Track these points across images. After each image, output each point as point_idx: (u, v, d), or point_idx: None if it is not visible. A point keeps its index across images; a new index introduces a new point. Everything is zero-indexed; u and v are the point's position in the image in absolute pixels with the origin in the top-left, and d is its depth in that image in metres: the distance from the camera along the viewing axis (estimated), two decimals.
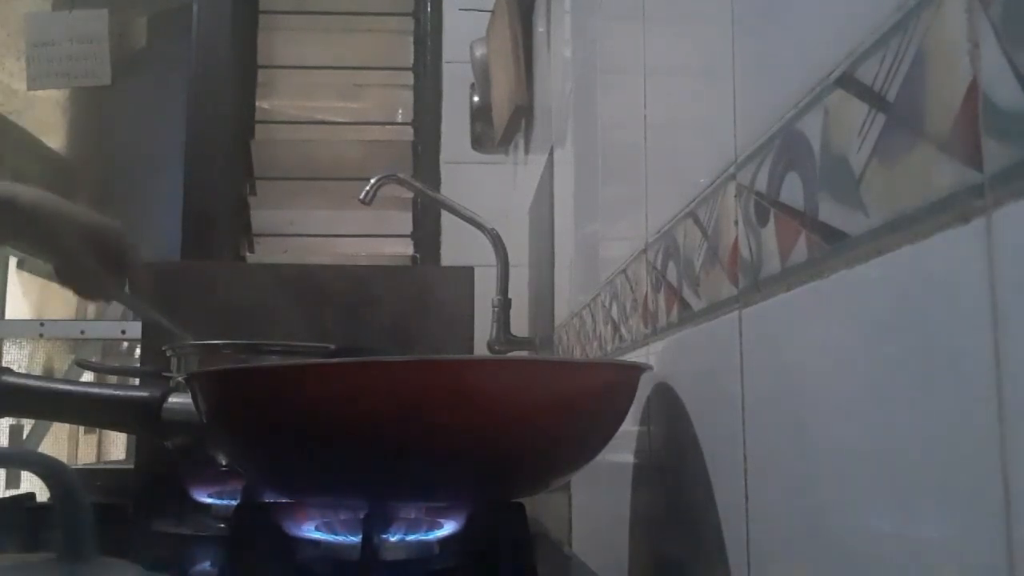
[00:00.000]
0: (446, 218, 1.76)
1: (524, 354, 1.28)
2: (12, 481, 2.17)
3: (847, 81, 0.31)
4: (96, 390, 0.75)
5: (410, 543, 0.53)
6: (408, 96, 1.98)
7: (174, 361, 0.91)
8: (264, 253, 1.89)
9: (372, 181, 1.21)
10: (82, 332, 2.05)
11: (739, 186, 0.43)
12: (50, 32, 1.90)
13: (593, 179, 0.85)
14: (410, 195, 1.75)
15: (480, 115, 1.68)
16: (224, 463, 0.71)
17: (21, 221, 0.83)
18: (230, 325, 0.96)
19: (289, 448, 0.49)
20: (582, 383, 0.51)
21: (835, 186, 0.32)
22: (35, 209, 0.84)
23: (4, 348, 2.19)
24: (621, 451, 0.64)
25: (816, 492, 0.34)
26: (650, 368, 0.55)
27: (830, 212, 0.33)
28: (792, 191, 0.36)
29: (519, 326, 1.33)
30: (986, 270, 0.23)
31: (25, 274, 2.55)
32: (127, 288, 0.90)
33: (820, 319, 0.34)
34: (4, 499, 0.80)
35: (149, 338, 1.16)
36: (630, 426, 0.60)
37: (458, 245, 1.74)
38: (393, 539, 0.53)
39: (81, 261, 0.86)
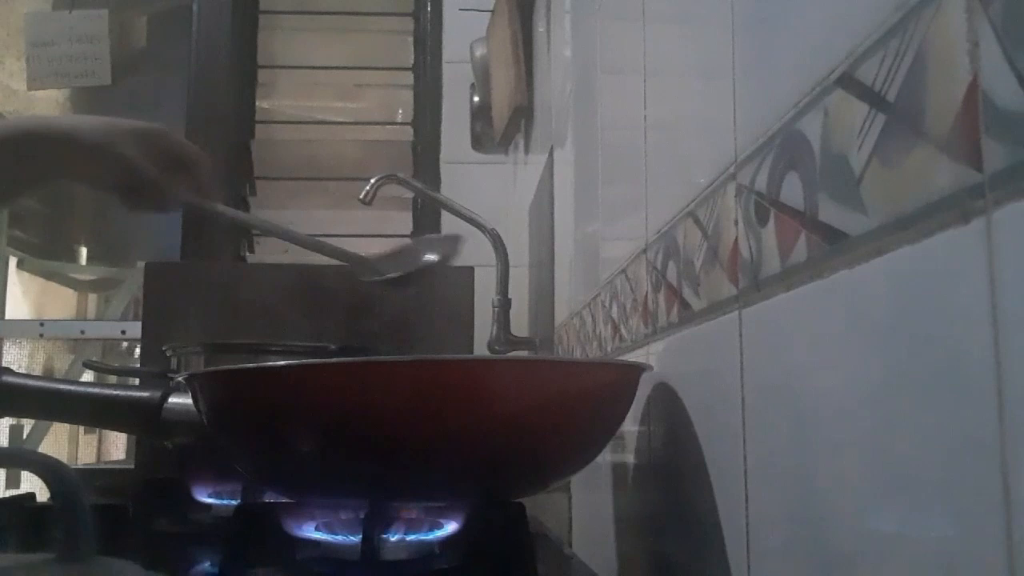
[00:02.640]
0: (446, 218, 1.76)
1: (524, 354, 1.28)
2: (12, 481, 2.17)
3: (847, 81, 0.31)
4: (96, 390, 0.75)
5: (410, 543, 0.53)
6: (408, 96, 1.98)
7: (174, 361, 0.91)
8: (264, 253, 1.89)
9: (372, 181, 1.21)
10: (82, 332, 2.05)
11: (739, 186, 0.43)
12: (50, 32, 1.90)
13: (593, 179, 0.85)
14: (410, 195, 1.75)
15: (480, 115, 1.68)
16: (224, 463, 0.71)
17: (84, 155, 0.76)
18: (230, 325, 0.96)
19: (289, 448, 0.49)
20: (582, 383, 0.51)
21: (835, 186, 0.32)
22: (93, 137, 0.76)
23: (4, 348, 2.19)
24: (621, 451, 0.64)
25: (816, 492, 0.34)
26: (650, 368, 0.55)
27: (830, 212, 0.33)
28: (792, 191, 0.36)
29: (519, 326, 1.33)
30: (986, 270, 0.23)
31: (25, 274, 2.55)
32: (195, 190, 0.83)
33: (820, 319, 0.34)
34: (4, 499, 0.80)
35: (149, 338, 1.16)
36: (630, 426, 0.60)
37: None
38: (393, 539, 0.53)
39: (146, 174, 0.78)
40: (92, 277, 2.42)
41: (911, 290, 0.27)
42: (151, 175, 0.79)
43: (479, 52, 1.65)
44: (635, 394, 0.54)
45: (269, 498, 0.62)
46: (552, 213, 1.16)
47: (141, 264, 1.35)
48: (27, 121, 0.81)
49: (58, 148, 0.77)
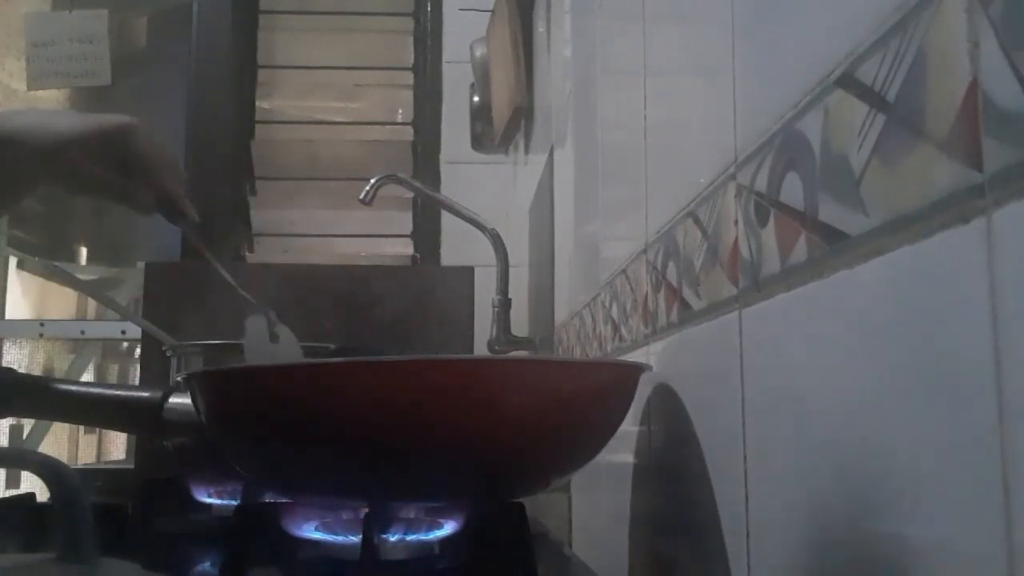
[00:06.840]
0: (446, 218, 1.76)
1: (524, 354, 1.28)
2: (12, 481, 2.17)
3: (847, 81, 0.31)
4: (98, 390, 0.74)
5: (410, 543, 0.53)
6: (408, 96, 1.98)
7: (174, 361, 0.91)
8: (264, 253, 1.89)
9: (372, 181, 1.21)
10: (82, 332, 2.05)
11: (739, 186, 0.43)
12: (50, 32, 1.90)
13: (593, 179, 0.85)
14: (410, 195, 1.75)
15: (480, 115, 1.68)
16: (224, 463, 0.71)
17: (29, 162, 0.66)
18: (230, 325, 0.96)
19: (289, 448, 0.49)
20: (582, 383, 0.51)
21: (835, 186, 0.32)
22: (40, 142, 0.66)
23: (4, 348, 2.19)
24: (621, 451, 0.64)
25: (816, 492, 0.34)
26: (650, 368, 0.55)
27: (830, 212, 0.33)
28: (792, 191, 0.36)
29: (519, 326, 1.33)
30: (986, 270, 0.23)
31: (25, 274, 2.55)
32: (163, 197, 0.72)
33: (820, 319, 0.34)
34: (4, 499, 0.80)
35: (149, 338, 1.16)
36: (630, 426, 0.60)
37: (458, 245, 1.74)
38: (393, 539, 0.53)
39: (99, 184, 0.69)
40: (92, 277, 2.42)
41: (911, 290, 0.27)
42: (105, 183, 0.69)
43: (479, 52, 1.65)
44: (635, 394, 0.54)
45: (269, 498, 0.62)
46: (552, 213, 1.16)
47: (141, 264, 1.35)
48: None
49: (3, 153, 0.66)
